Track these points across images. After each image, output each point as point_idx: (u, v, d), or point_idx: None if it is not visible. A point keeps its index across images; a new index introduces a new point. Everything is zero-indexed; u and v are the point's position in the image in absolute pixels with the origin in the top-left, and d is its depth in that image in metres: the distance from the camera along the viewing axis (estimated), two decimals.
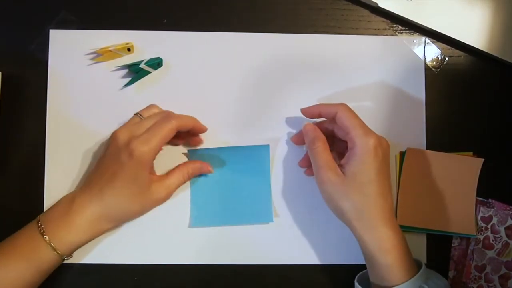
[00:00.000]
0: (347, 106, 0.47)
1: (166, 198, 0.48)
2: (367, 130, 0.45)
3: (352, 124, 0.45)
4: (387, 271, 0.43)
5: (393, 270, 0.43)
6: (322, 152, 0.46)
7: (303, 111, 0.49)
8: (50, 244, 0.44)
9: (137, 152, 0.44)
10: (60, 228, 0.44)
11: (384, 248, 0.43)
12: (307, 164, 0.51)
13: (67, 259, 0.46)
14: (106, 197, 0.45)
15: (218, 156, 0.51)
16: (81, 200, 0.45)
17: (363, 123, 0.46)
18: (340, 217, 0.46)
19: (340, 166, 0.46)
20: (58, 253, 0.44)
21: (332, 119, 0.47)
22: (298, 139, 0.51)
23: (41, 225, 0.44)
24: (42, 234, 0.44)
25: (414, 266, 0.44)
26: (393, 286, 0.42)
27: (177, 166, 0.50)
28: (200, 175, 0.51)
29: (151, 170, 0.47)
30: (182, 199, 0.52)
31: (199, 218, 0.51)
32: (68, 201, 0.46)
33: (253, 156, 0.51)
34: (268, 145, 0.51)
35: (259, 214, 0.51)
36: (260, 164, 0.51)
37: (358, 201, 0.44)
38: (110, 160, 0.46)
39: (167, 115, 0.47)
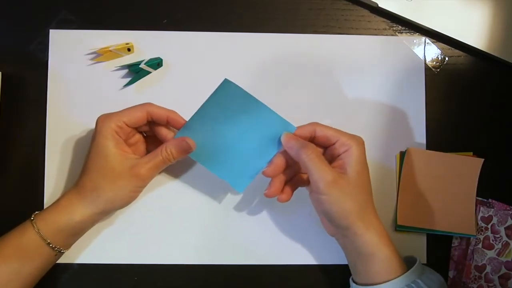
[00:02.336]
0: (318, 122, 0.47)
1: (141, 178, 0.45)
2: (351, 135, 0.46)
3: (337, 132, 0.46)
4: (386, 264, 0.44)
5: (392, 261, 0.44)
6: (320, 157, 0.44)
7: (288, 144, 0.46)
8: (34, 226, 0.44)
9: (99, 123, 0.45)
10: (46, 210, 0.46)
11: (383, 242, 0.44)
12: (279, 191, 0.47)
13: (58, 250, 0.45)
14: (82, 175, 0.46)
15: (248, 103, 0.46)
16: (69, 188, 0.47)
17: (340, 129, 0.46)
18: (340, 220, 0.44)
19: (336, 168, 0.45)
20: (41, 236, 0.44)
21: (310, 139, 0.47)
22: (275, 170, 0.46)
23: (34, 215, 0.46)
24: (31, 218, 0.45)
25: (404, 263, 0.46)
26: (390, 280, 0.43)
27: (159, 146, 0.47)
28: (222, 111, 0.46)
29: (120, 146, 0.45)
30: (182, 199, 0.52)
31: (198, 151, 0.47)
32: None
33: (276, 127, 0.47)
34: (294, 127, 0.47)
35: (237, 178, 0.48)
36: (274, 139, 0.47)
37: (362, 200, 0.44)
38: (91, 141, 0.47)
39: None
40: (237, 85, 0.46)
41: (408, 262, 0.46)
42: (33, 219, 0.45)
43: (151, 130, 0.49)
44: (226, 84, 0.46)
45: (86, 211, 0.45)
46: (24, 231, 0.45)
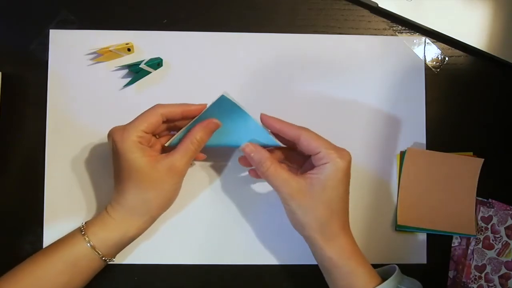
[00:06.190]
0: (309, 130, 0.45)
1: (181, 174, 0.45)
2: (337, 148, 0.44)
3: (321, 144, 0.44)
4: (352, 277, 0.43)
5: (357, 275, 0.43)
6: (276, 171, 0.44)
7: (263, 117, 0.46)
8: (87, 240, 0.44)
9: (117, 140, 0.44)
10: (96, 225, 0.45)
11: (346, 256, 0.44)
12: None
13: (109, 261, 0.46)
14: (125, 194, 0.45)
15: (240, 116, 0.46)
16: (111, 200, 0.46)
17: (329, 141, 0.45)
18: (299, 230, 0.45)
19: (303, 174, 0.45)
20: (96, 251, 0.44)
21: (292, 142, 0.46)
22: (247, 161, 0.48)
23: (83, 226, 0.46)
24: (81, 232, 0.45)
25: (378, 275, 0.44)
26: None
27: (184, 138, 0.46)
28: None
29: (148, 152, 0.44)
30: (183, 199, 0.52)
31: None
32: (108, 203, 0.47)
33: (261, 140, 0.47)
34: (276, 143, 0.47)
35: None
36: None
37: (323, 216, 0.44)
38: (112, 158, 0.46)
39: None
40: (233, 101, 0.45)
41: (389, 274, 0.45)
42: (84, 233, 0.45)
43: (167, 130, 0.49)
44: (223, 99, 0.45)
45: (139, 224, 0.46)
46: (75, 243, 0.45)
